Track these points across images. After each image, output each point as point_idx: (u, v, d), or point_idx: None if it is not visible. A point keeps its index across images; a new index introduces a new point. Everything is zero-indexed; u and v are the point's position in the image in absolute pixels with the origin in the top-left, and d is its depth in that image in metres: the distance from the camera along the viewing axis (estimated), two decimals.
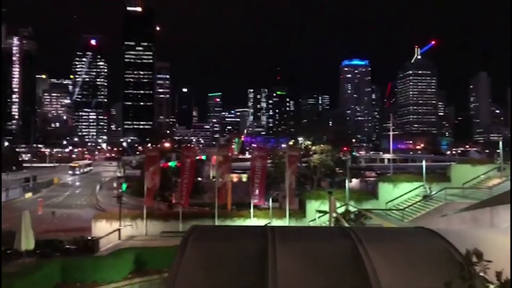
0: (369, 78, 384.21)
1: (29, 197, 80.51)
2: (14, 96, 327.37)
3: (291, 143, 61.67)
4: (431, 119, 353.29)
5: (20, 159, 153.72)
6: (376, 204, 30.45)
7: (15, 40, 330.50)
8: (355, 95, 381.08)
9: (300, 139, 63.30)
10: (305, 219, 30.45)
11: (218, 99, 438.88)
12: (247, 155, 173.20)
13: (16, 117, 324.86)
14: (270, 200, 32.66)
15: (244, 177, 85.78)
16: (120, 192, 54.77)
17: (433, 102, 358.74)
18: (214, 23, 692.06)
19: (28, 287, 14.93)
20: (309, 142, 57.28)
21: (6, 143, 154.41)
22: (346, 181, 32.37)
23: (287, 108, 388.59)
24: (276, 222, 29.11)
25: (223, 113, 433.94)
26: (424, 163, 32.38)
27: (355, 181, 55.66)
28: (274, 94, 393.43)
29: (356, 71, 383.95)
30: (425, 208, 27.66)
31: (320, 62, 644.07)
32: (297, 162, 30.56)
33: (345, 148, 56.80)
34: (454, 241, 6.20)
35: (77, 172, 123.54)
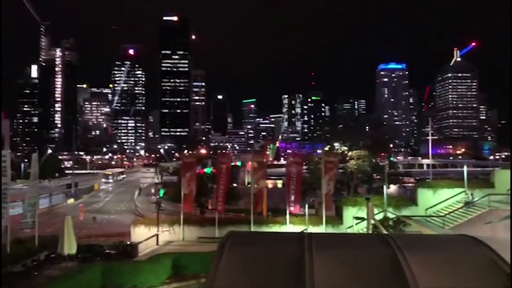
0: (406, 82, 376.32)
1: (71, 203, 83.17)
2: (57, 105, 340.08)
3: (326, 148, 61.00)
4: (472, 123, 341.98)
5: (62, 166, 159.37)
6: (415, 211, 29.69)
7: (58, 52, 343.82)
8: (392, 100, 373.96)
9: (336, 144, 62.56)
10: (342, 226, 30.04)
11: (252, 106, 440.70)
12: (282, 161, 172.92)
13: (59, 125, 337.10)
14: (306, 206, 32.42)
15: (280, 183, 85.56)
16: (159, 199, 55.58)
17: (474, 105, 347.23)
18: (248, 29, 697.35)
19: None
20: (345, 148, 56.56)
21: (49, 151, 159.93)
22: (384, 187, 31.76)
23: (323, 114, 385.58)
24: (313, 229, 28.82)
25: (258, 119, 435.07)
26: (465, 169, 31.28)
27: (393, 187, 54.47)
28: (309, 100, 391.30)
29: (393, 75, 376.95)
30: (467, 215, 26.75)
31: (355, 66, 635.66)
32: (334, 168, 30.19)
33: (382, 154, 55.76)
34: (500, 249, 5.95)
35: (110, 180, 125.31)
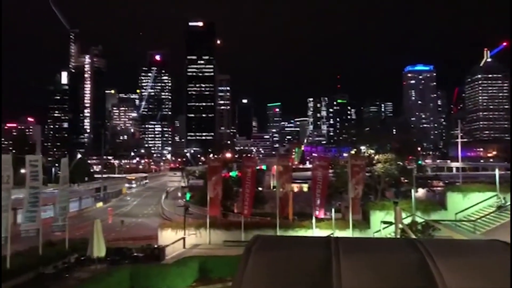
0: (434, 83, 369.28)
1: (100, 206, 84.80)
2: (86, 111, 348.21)
3: (353, 152, 60.41)
4: (504, 125, 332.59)
5: (91, 170, 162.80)
6: (445, 215, 29.05)
7: (87, 58, 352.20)
8: (419, 102, 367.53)
9: (363, 148, 61.84)
10: (369, 230, 29.65)
11: (277, 109, 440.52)
12: (308, 165, 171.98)
13: (88, 130, 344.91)
14: (333, 210, 32.15)
15: (305, 187, 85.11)
16: (186, 203, 55.98)
17: (506, 107, 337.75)
18: (274, 33, 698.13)
19: None
20: (372, 151, 55.86)
21: (79, 155, 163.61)
22: (412, 191, 31.19)
23: (348, 117, 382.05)
24: (339, 233, 28.57)
25: (283, 123, 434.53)
26: (497, 172, 30.44)
27: (421, 191, 53.42)
28: (335, 103, 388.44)
29: (420, 77, 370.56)
30: (499, 219, 26.01)
31: (382, 69, 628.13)
32: (361, 172, 29.84)
33: (410, 157, 54.82)
34: None
35: (133, 185, 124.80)
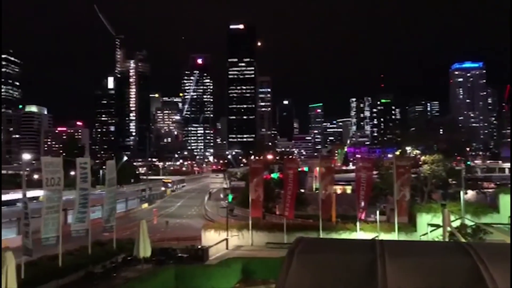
0: (484, 81, 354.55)
1: (145, 207, 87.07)
2: (131, 114, 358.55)
3: (398, 153, 59.00)
4: None
5: (137, 172, 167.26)
6: (497, 218, 27.77)
7: (132, 63, 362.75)
8: (468, 100, 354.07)
9: (408, 148, 60.29)
10: (416, 233, 28.79)
11: (319, 110, 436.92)
12: (351, 166, 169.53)
13: (134, 133, 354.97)
14: (377, 213, 31.48)
15: (349, 189, 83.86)
16: (231, 205, 56.45)
17: None
18: (315, 34, 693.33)
19: None
20: (418, 152, 54.35)
21: (125, 158, 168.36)
22: (461, 192, 30.05)
23: (393, 117, 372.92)
24: (384, 236, 27.90)
25: (325, 123, 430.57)
26: None
27: (470, 193, 51.47)
28: (378, 102, 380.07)
29: (468, 75, 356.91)
30: None
31: (428, 67, 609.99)
32: (407, 173, 29.03)
33: (458, 158, 52.94)
34: None
35: (170, 188, 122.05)
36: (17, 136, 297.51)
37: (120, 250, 25.38)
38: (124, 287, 16.49)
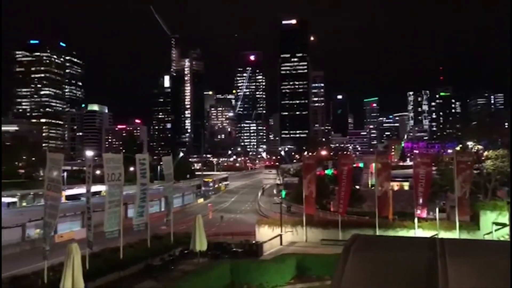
0: None
1: (200, 202, 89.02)
2: (186, 112, 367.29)
3: (458, 148, 56.49)
4: None
5: (192, 168, 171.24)
6: None
7: (187, 62, 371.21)
8: None
9: (470, 143, 57.58)
10: (479, 232, 27.45)
11: (374, 104, 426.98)
12: (409, 162, 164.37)
13: (189, 130, 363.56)
14: (437, 210, 30.34)
15: (406, 186, 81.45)
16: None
17: None
18: (369, 26, 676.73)
19: (202, 284, 16.37)
20: (480, 147, 51.78)
21: (181, 154, 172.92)
22: None
23: (453, 110, 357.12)
24: (444, 234, 26.82)
25: (381, 118, 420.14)
26: None
27: None
28: (437, 96, 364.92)
29: None
30: None
31: (490, 57, 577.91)
32: (468, 169, 27.70)
33: None
34: None
35: (211, 188, 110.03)
36: (80, 133, 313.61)
37: (177, 243, 26.05)
38: (181, 280, 16.95)
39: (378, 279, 5.68)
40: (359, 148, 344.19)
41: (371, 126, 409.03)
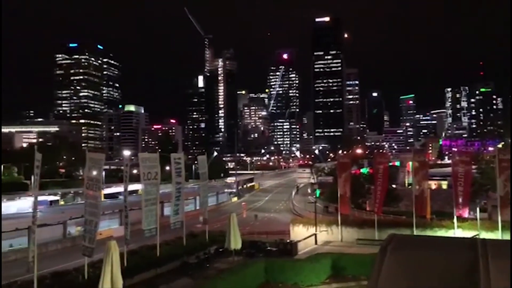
0: None
1: (234, 201, 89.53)
2: (220, 111, 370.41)
3: (500, 145, 54.63)
4: None
5: (226, 167, 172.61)
6: None
7: (220, 62, 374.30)
8: None
9: None
10: None
11: (411, 102, 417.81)
12: (447, 160, 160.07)
13: (222, 129, 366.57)
14: (477, 210, 29.37)
15: (444, 184, 79.29)
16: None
17: None
18: (404, 21, 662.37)
19: (237, 283, 16.47)
20: None
21: (215, 153, 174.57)
22: None
23: (494, 107, 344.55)
24: (485, 235, 25.94)
25: (417, 116, 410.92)
26: None
27: None
28: (477, 92, 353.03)
29: None
30: None
31: None
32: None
33: None
34: None
35: (234, 190, 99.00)
36: (117, 134, 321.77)
37: (212, 241, 26.30)
38: (217, 278, 17.10)
39: (415, 280, 5.55)
40: (395, 147, 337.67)
41: (408, 124, 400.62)
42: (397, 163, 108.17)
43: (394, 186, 72.20)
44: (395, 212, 47.54)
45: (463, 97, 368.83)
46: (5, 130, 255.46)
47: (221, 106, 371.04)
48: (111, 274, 14.52)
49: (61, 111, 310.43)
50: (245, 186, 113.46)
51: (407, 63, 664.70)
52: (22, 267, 16.44)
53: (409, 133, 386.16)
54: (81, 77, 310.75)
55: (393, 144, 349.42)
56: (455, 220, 27.72)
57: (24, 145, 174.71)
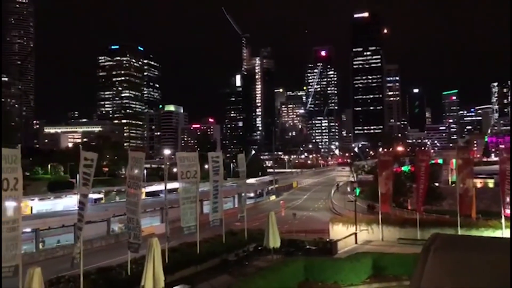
0: None
1: (272, 199, 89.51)
2: (257, 110, 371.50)
3: None
4: None
5: (264, 165, 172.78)
6: None
7: (257, 60, 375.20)
8: None
9: None
10: None
11: (454, 97, 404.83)
12: (493, 158, 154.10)
13: (260, 128, 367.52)
14: None
15: (490, 183, 76.40)
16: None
17: None
18: (446, 15, 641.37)
19: (277, 281, 16.49)
20: None
21: (253, 152, 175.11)
22: None
23: None
24: None
25: (461, 112, 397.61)
26: None
27: None
28: None
29: None
30: None
31: None
32: None
33: None
34: None
35: (251, 195, 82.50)
36: (158, 133, 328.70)
37: (251, 239, 26.41)
38: (257, 275, 17.17)
39: (460, 281, 5.37)
40: (437, 144, 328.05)
41: (451, 120, 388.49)
42: (439, 161, 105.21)
43: (437, 184, 70.24)
44: (438, 211, 46.19)
45: (510, 92, 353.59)
46: (51, 130, 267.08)
47: (259, 104, 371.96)
48: (153, 270, 14.88)
49: (104, 112, 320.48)
50: (259, 192, 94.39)
51: (450, 57, 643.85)
52: (69, 263, 17.08)
53: (452, 130, 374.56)
54: (123, 78, 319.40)
55: (436, 142, 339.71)
56: (502, 220, 26.66)
57: (70, 145, 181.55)
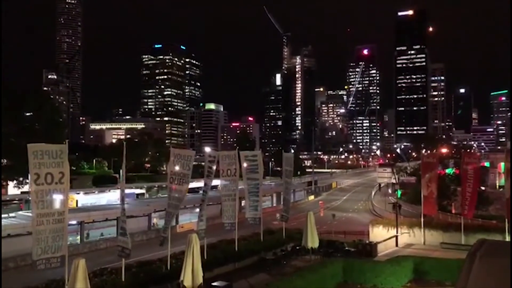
0: None
1: (311, 199, 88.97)
2: (297, 109, 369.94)
3: None
4: None
5: (303, 165, 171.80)
6: None
7: (298, 59, 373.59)
8: None
9: None
10: None
11: (503, 98, 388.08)
12: None
13: (299, 127, 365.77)
14: None
15: None
16: (400, 202, 53.63)
17: None
18: (495, 10, 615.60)
19: (315, 282, 16.39)
20: None
21: (292, 151, 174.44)
22: None
23: None
24: None
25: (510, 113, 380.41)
26: None
27: None
28: None
29: None
30: None
31: None
32: None
33: None
34: None
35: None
36: (198, 131, 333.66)
37: (289, 239, 26.35)
38: (295, 275, 17.13)
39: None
40: (484, 146, 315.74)
41: (499, 122, 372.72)
42: (486, 164, 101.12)
43: (483, 188, 67.64)
44: (484, 216, 44.45)
45: (510, 100, 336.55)
46: (97, 126, 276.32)
47: (298, 103, 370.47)
48: (192, 266, 15.14)
49: (147, 109, 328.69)
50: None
51: (498, 56, 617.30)
52: (112, 255, 17.65)
53: (500, 132, 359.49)
54: (165, 76, 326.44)
55: (482, 144, 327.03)
56: None
57: (114, 141, 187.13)
